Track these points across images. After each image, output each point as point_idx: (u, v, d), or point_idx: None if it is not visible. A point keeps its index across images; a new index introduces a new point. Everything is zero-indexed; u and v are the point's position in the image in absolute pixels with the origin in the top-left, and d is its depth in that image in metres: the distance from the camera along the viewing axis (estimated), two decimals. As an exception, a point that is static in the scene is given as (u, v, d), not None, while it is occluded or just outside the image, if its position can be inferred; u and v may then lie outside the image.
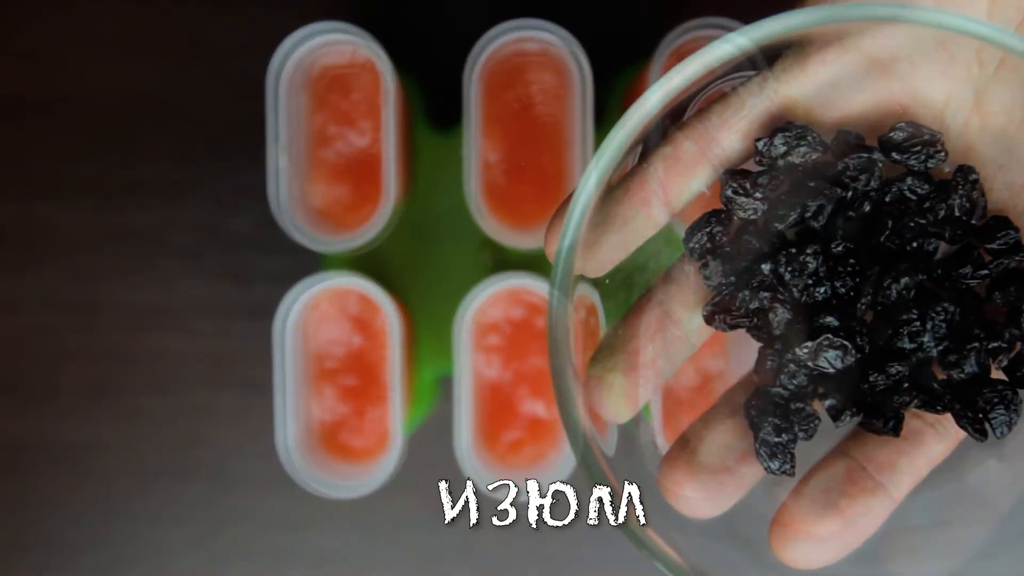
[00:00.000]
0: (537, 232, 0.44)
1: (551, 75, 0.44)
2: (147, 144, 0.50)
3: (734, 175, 0.29)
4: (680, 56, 0.44)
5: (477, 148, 0.43)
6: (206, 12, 0.49)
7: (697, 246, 0.29)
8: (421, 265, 0.48)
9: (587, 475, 0.28)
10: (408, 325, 0.46)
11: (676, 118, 0.29)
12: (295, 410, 0.44)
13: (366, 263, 0.47)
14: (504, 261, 0.48)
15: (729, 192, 0.28)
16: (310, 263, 0.49)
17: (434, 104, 0.49)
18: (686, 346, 0.30)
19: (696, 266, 0.30)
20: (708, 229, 0.29)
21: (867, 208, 0.29)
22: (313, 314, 0.45)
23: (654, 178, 0.28)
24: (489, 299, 0.44)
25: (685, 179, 0.28)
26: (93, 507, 0.51)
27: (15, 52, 0.50)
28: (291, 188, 0.43)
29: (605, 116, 0.48)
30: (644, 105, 0.27)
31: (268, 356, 0.44)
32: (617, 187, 0.28)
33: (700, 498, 0.29)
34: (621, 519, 0.28)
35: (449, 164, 0.47)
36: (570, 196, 0.28)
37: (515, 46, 0.44)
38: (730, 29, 0.42)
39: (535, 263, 0.48)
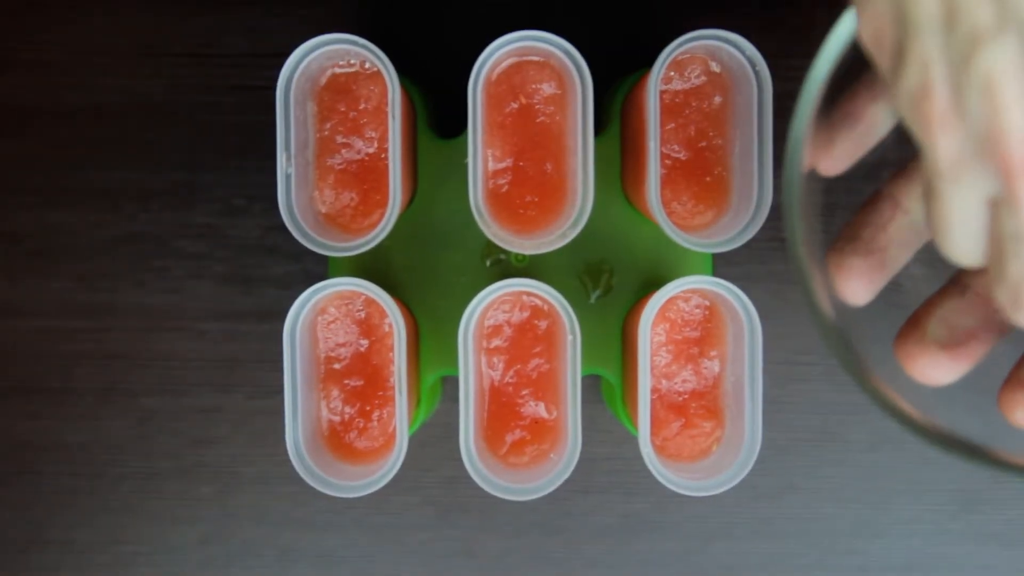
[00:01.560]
0: (539, 237, 0.44)
1: (553, 84, 0.45)
2: (158, 152, 0.50)
3: None
4: (679, 66, 0.45)
5: (480, 155, 0.43)
6: (216, 23, 0.50)
7: None
8: (425, 270, 0.48)
9: (828, 344, 0.30)
10: (413, 328, 0.47)
11: None
12: (302, 411, 0.44)
13: (372, 268, 0.48)
14: (507, 265, 0.48)
15: None
16: (318, 268, 0.50)
17: (439, 113, 0.49)
18: (916, 235, 0.32)
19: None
20: None
21: None
22: (320, 318, 0.46)
23: (879, 77, 0.30)
24: (492, 303, 0.45)
25: None
26: (103, 507, 0.51)
27: (28, 62, 0.50)
28: (299, 194, 0.44)
29: (605, 124, 0.49)
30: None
31: (276, 358, 0.44)
32: (846, 89, 0.30)
33: (931, 368, 0.31)
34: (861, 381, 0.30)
35: (453, 171, 0.47)
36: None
37: (518, 56, 0.44)
38: (729, 40, 0.43)
39: (537, 268, 0.48)
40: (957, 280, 0.33)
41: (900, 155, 0.33)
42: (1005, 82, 0.25)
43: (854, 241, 0.33)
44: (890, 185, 0.33)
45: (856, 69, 0.30)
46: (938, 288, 0.33)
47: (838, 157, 0.32)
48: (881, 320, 0.33)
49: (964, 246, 0.28)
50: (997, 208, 0.27)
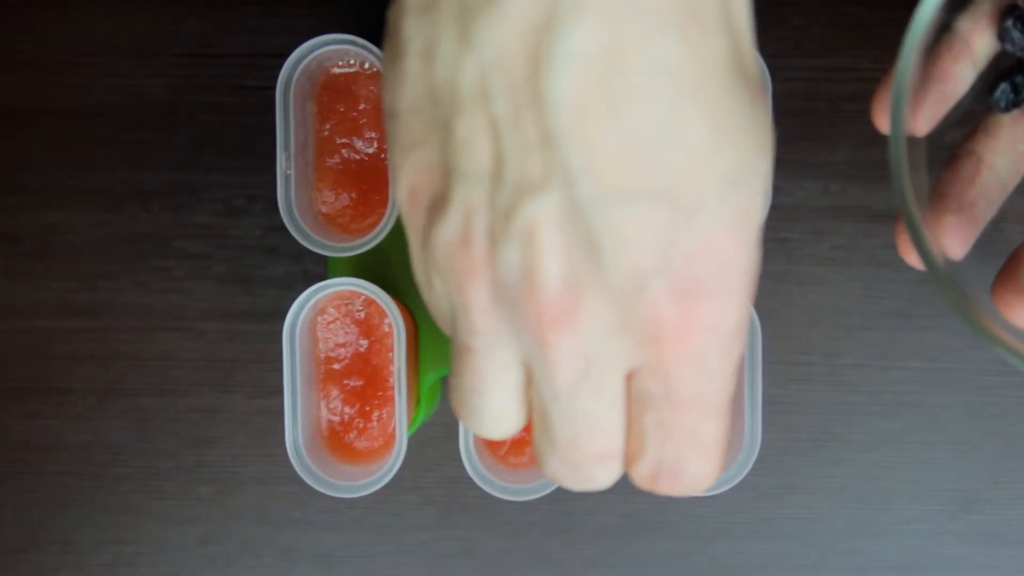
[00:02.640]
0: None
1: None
2: (157, 152, 0.50)
3: (1013, 9, 0.33)
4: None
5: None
6: (216, 23, 0.50)
7: (1002, 96, 0.34)
8: (425, 270, 0.48)
9: (945, 292, 0.31)
10: (412, 328, 0.47)
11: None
12: (302, 411, 0.44)
13: (372, 268, 0.48)
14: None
15: (1008, 24, 0.33)
16: (318, 268, 0.50)
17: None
18: (1000, 188, 0.34)
19: (1004, 117, 0.34)
20: (1011, 79, 0.34)
21: None
22: (320, 318, 0.46)
23: (959, 38, 0.33)
24: (492, 303, 0.45)
25: (985, 35, 0.33)
26: (103, 507, 0.52)
27: (28, 62, 0.50)
28: (299, 194, 0.44)
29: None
30: None
31: (276, 358, 0.44)
32: (929, 51, 0.32)
33: None
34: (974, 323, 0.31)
35: (453, 171, 0.47)
36: (891, 68, 0.31)
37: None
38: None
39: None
40: None
41: (977, 112, 0.35)
42: (546, 232, 0.24)
43: (945, 198, 0.34)
44: (970, 142, 0.35)
45: (939, 31, 0.32)
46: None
47: (926, 116, 0.33)
48: (985, 268, 0.34)
49: (490, 417, 0.28)
50: (532, 373, 0.27)
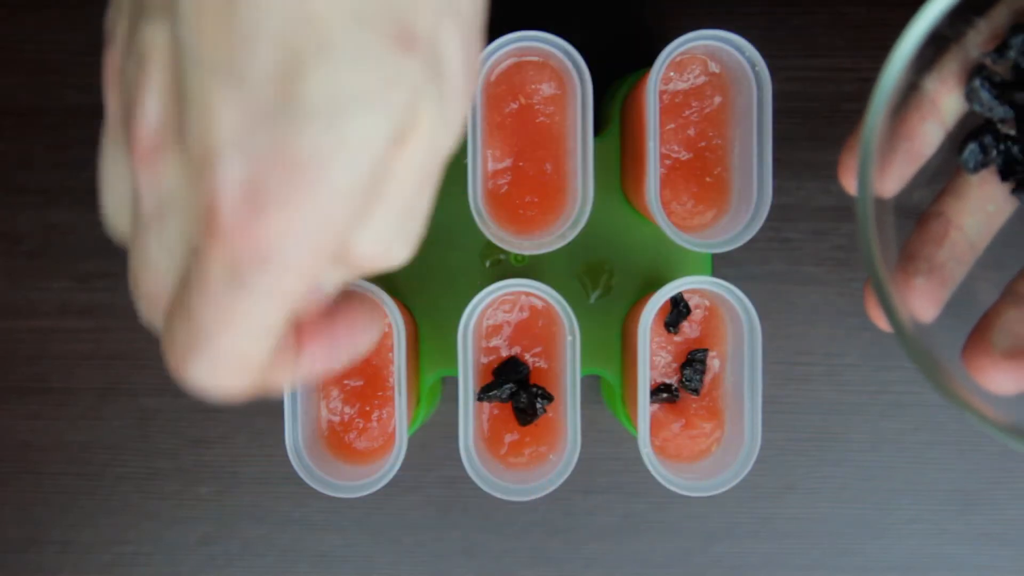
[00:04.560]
0: (539, 237, 0.44)
1: (552, 84, 0.45)
2: (157, 151, 0.50)
3: (980, 70, 0.33)
4: (679, 66, 0.45)
5: (480, 156, 0.43)
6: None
7: (971, 156, 0.33)
8: (425, 270, 0.48)
9: (913, 358, 0.31)
10: (412, 329, 0.47)
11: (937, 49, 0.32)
12: (302, 412, 0.44)
13: (371, 268, 0.48)
14: (506, 266, 0.48)
15: (976, 84, 0.33)
16: (317, 268, 0.50)
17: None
18: (970, 249, 0.34)
19: (972, 177, 0.34)
20: (979, 140, 0.33)
21: None
22: (320, 318, 0.46)
23: (927, 98, 0.32)
24: (492, 303, 0.45)
25: (952, 95, 0.33)
26: (103, 507, 0.52)
27: (28, 62, 0.50)
28: (299, 195, 0.44)
29: (605, 124, 0.49)
30: (910, 36, 0.30)
31: (276, 358, 0.44)
32: (896, 111, 0.32)
33: (999, 378, 0.32)
34: (943, 390, 0.31)
35: (452, 171, 0.47)
36: (858, 128, 0.31)
37: (517, 56, 0.44)
38: (728, 40, 0.43)
39: (537, 268, 0.48)
40: (1013, 290, 0.33)
41: (945, 172, 0.34)
42: (154, 64, 0.24)
43: (914, 260, 0.34)
44: (938, 203, 0.34)
45: (906, 91, 0.31)
46: (997, 299, 0.34)
47: (894, 177, 0.33)
48: (953, 331, 0.33)
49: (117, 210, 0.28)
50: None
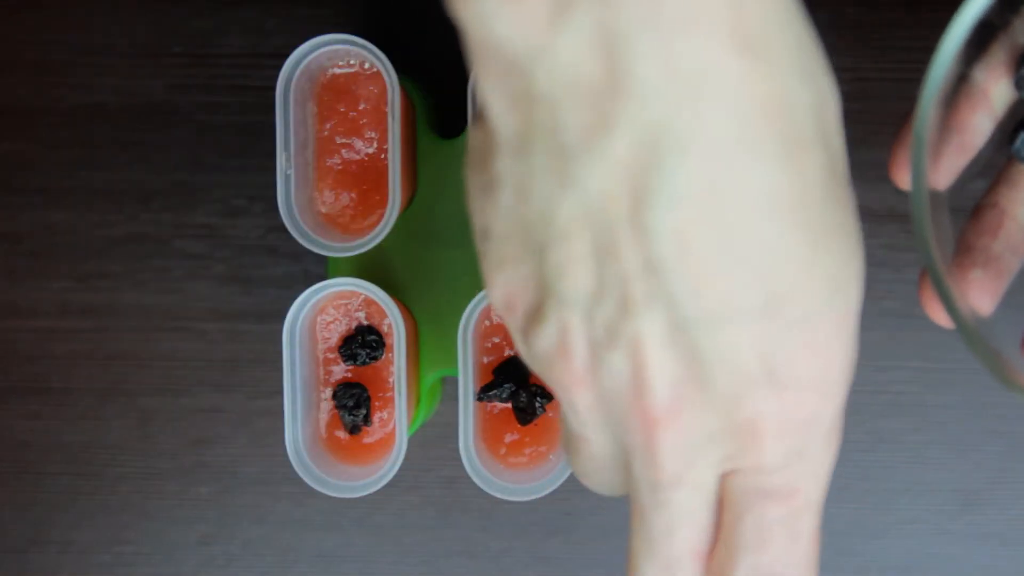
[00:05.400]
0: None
1: (553, 85, 0.45)
2: (158, 152, 0.50)
3: None
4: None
5: (480, 156, 0.43)
6: (216, 23, 0.50)
7: (1023, 146, 0.33)
8: (425, 270, 0.48)
9: (976, 351, 0.31)
10: (412, 328, 0.47)
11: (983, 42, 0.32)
12: (302, 412, 0.44)
13: (371, 268, 0.48)
14: (506, 266, 0.48)
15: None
16: (317, 268, 0.50)
17: (438, 113, 0.50)
18: None
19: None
20: None
21: None
22: (320, 318, 0.46)
23: (976, 88, 0.32)
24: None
25: (1001, 84, 0.33)
26: (103, 507, 0.52)
27: (28, 62, 0.50)
28: (299, 195, 0.44)
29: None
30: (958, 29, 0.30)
31: (276, 358, 0.44)
32: (946, 103, 0.32)
33: None
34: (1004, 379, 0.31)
35: (453, 171, 0.47)
36: (907, 122, 0.31)
37: (518, 56, 0.44)
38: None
39: (537, 268, 0.48)
40: None
41: (997, 163, 0.34)
42: (651, 346, 0.26)
43: (970, 253, 0.34)
44: (991, 194, 0.34)
45: (956, 81, 0.31)
46: None
47: (946, 169, 0.33)
48: (1011, 323, 0.33)
49: (606, 486, 0.30)
50: (631, 466, 0.28)
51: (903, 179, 0.33)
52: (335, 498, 0.44)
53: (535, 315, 0.27)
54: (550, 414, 0.45)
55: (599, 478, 0.30)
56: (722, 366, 0.26)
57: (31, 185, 0.50)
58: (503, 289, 0.28)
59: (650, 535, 0.28)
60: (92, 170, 0.50)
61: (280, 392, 0.44)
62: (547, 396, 0.45)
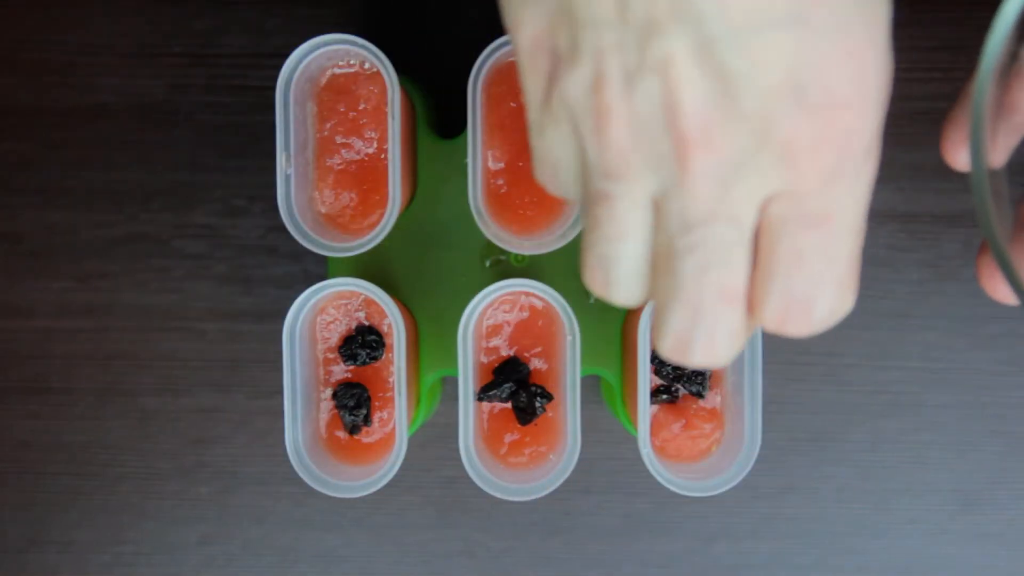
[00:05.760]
0: (539, 237, 0.44)
1: (553, 85, 0.45)
2: (158, 152, 0.50)
3: None
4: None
5: (480, 156, 0.43)
6: (216, 23, 0.50)
7: None
8: (425, 270, 0.48)
9: None
10: (412, 328, 0.47)
11: None
12: (302, 411, 0.44)
13: (371, 268, 0.48)
14: (506, 266, 0.48)
15: None
16: (318, 268, 0.50)
17: (438, 113, 0.50)
18: None
19: None
20: None
21: None
22: (320, 318, 0.46)
23: None
24: (492, 303, 0.45)
25: None
26: (103, 507, 0.52)
27: (28, 62, 0.50)
28: (299, 195, 0.44)
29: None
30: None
31: (276, 358, 0.44)
32: (999, 81, 0.31)
33: None
34: None
35: (453, 171, 0.47)
36: (959, 102, 0.31)
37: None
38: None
39: (537, 268, 0.48)
40: None
41: None
42: (681, 64, 0.25)
43: None
44: None
45: (1007, 61, 0.31)
46: None
47: (1000, 148, 0.32)
48: None
49: (633, 267, 0.29)
50: (664, 209, 0.28)
51: (957, 158, 0.33)
52: (335, 498, 0.44)
53: (569, 57, 0.27)
54: (550, 414, 0.45)
55: (620, 255, 0.29)
56: (751, 82, 0.25)
57: (31, 185, 0.50)
58: (529, 28, 0.28)
59: (679, 280, 0.28)
60: (92, 170, 0.50)
61: (280, 392, 0.44)
62: (547, 396, 0.45)
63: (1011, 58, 0.31)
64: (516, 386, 0.45)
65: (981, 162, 0.30)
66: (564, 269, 0.48)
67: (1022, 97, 0.32)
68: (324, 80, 0.45)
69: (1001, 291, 0.32)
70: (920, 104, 0.49)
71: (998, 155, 0.32)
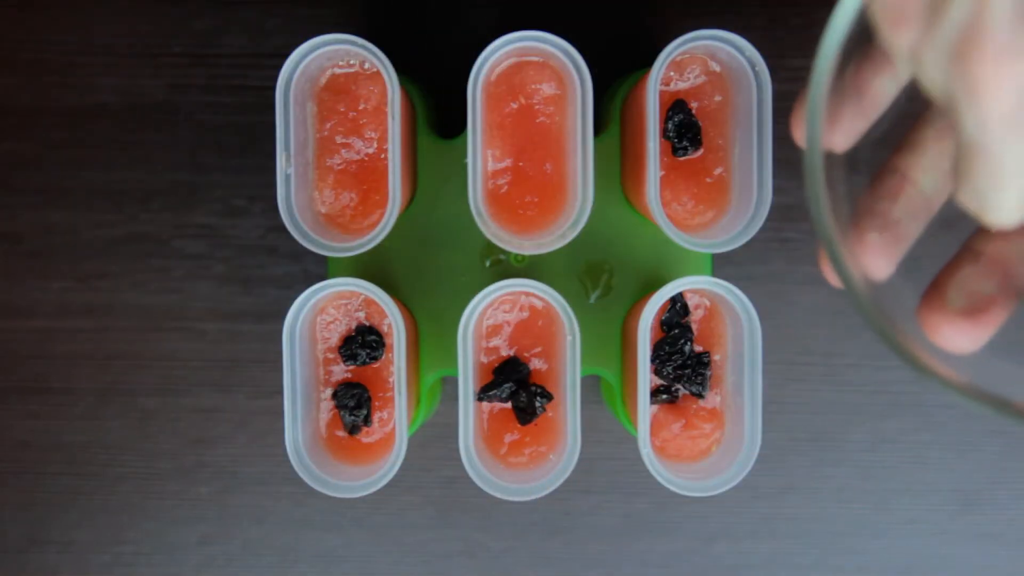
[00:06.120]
0: (539, 237, 0.44)
1: (552, 84, 0.45)
2: (158, 152, 0.50)
3: None
4: (679, 66, 0.45)
5: (480, 156, 0.43)
6: (216, 23, 0.50)
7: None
8: (425, 270, 0.48)
9: (865, 314, 0.30)
10: (412, 328, 0.47)
11: None
12: (302, 411, 0.44)
13: (371, 268, 0.48)
14: (506, 266, 0.48)
15: None
16: (317, 268, 0.50)
17: (438, 113, 0.50)
18: (926, 206, 0.33)
19: (928, 132, 0.32)
20: None
21: None
22: (320, 318, 0.46)
23: (880, 49, 0.30)
24: (492, 303, 0.45)
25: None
26: (103, 507, 0.52)
27: (28, 62, 0.50)
28: (299, 195, 0.44)
29: (605, 124, 0.49)
30: None
31: (276, 358, 0.44)
32: (849, 63, 0.30)
33: (955, 336, 0.31)
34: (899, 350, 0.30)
35: (453, 171, 0.47)
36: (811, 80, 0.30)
37: (517, 56, 0.44)
38: (728, 40, 0.43)
39: (537, 268, 0.48)
40: (970, 246, 0.33)
41: (899, 128, 0.33)
42: None
43: (868, 216, 0.33)
44: (894, 159, 0.33)
45: (859, 42, 0.30)
46: (953, 255, 0.33)
47: (845, 132, 0.32)
48: (909, 289, 0.33)
49: (1014, 205, 0.28)
50: None
51: (800, 136, 0.32)
52: (335, 498, 0.44)
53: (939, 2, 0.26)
54: (550, 414, 0.45)
55: (1014, 196, 0.27)
56: None
57: (31, 185, 0.50)
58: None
59: None
60: (92, 170, 0.50)
61: (280, 392, 0.44)
62: (547, 395, 0.45)
63: (863, 38, 0.30)
64: (516, 386, 0.45)
65: (815, 144, 0.30)
66: (564, 269, 0.48)
67: (873, 81, 0.32)
68: (324, 80, 0.45)
69: (834, 276, 0.32)
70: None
71: (842, 138, 0.32)
